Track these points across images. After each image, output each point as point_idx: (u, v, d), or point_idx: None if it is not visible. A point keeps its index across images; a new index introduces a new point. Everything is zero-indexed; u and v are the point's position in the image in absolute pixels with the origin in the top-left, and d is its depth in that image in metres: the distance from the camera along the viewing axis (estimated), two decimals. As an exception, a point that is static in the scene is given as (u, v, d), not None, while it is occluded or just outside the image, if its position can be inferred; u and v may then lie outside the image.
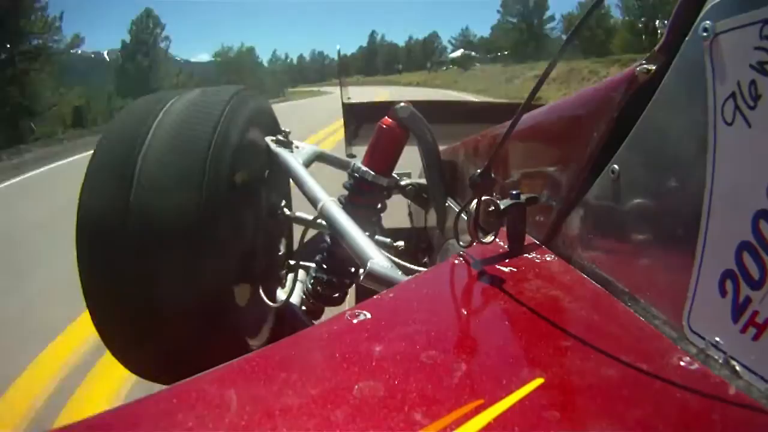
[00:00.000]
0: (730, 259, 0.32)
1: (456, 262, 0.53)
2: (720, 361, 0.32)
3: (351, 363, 0.36)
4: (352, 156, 1.46)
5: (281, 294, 1.15)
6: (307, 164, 1.17)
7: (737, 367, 0.31)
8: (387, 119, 1.04)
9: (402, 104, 1.00)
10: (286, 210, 1.16)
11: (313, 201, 0.93)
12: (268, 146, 1.11)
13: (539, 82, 0.48)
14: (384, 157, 1.08)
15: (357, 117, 1.69)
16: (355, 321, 0.41)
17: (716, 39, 0.33)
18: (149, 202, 0.80)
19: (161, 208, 0.80)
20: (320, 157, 1.32)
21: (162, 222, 0.80)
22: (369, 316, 0.42)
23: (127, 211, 0.79)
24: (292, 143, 1.15)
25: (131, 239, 0.80)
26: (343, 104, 1.72)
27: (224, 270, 0.86)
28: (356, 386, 0.33)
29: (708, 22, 0.34)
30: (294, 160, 1.08)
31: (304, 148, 1.21)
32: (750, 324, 0.30)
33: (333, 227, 0.86)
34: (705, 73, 0.34)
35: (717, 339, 0.33)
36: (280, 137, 1.13)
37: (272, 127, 1.17)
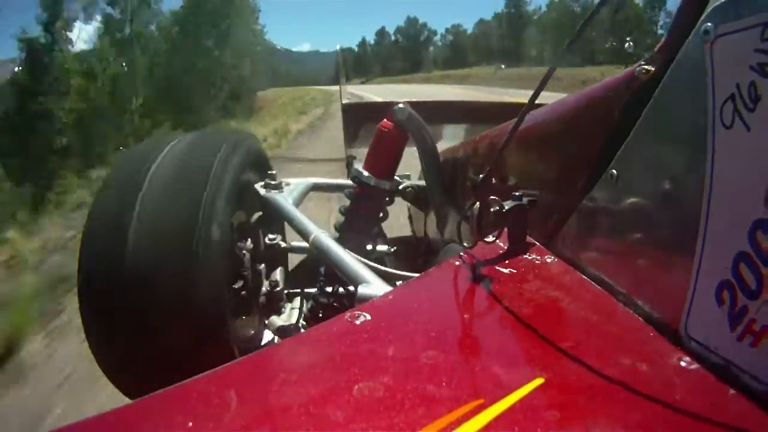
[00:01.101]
0: (727, 270, 0.32)
1: (456, 263, 0.53)
2: (718, 365, 0.32)
3: (351, 363, 0.36)
4: (352, 158, 1.46)
5: (279, 322, 1.17)
6: (300, 200, 1.20)
7: (736, 372, 0.31)
8: (386, 122, 1.04)
9: (400, 105, 1.00)
10: (281, 243, 1.18)
11: (304, 236, 0.97)
12: (256, 192, 1.14)
13: (540, 84, 0.48)
14: (385, 160, 1.08)
15: (356, 118, 1.70)
16: (355, 322, 0.41)
17: (717, 41, 0.33)
18: (146, 247, 0.83)
19: (157, 255, 0.83)
20: (315, 187, 1.35)
21: (158, 267, 0.83)
22: (369, 317, 0.42)
23: (123, 258, 0.82)
24: (281, 184, 1.18)
25: (128, 286, 0.82)
26: (342, 105, 1.73)
27: (222, 309, 0.89)
28: (356, 386, 0.33)
29: (709, 24, 0.34)
30: (283, 200, 1.11)
31: (295, 184, 1.24)
32: (747, 331, 0.30)
33: (326, 257, 0.90)
34: (705, 75, 0.34)
35: (715, 345, 0.33)
36: (268, 181, 1.16)
37: (263, 167, 1.20)
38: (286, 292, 1.19)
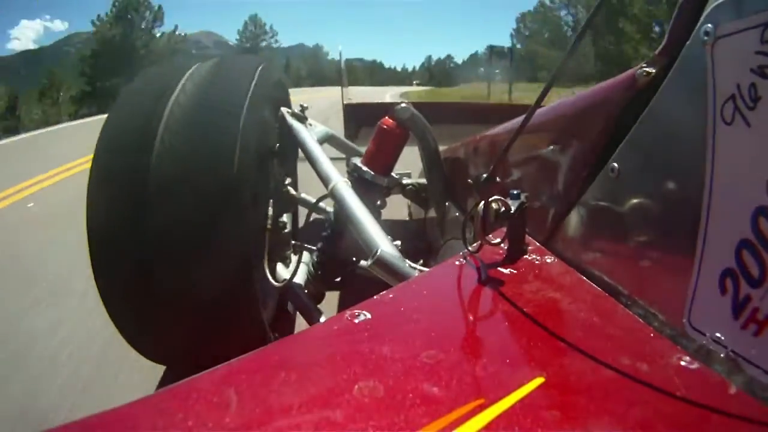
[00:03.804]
0: (730, 258, 0.32)
1: (456, 262, 0.53)
2: (722, 356, 0.32)
3: (351, 363, 0.36)
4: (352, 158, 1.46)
5: (284, 272, 1.12)
6: (320, 143, 1.13)
7: (739, 362, 0.31)
8: (387, 120, 1.04)
9: (403, 105, 1.00)
10: (291, 189, 1.12)
11: (325, 180, 0.90)
12: (283, 117, 1.07)
13: (546, 86, 0.48)
14: (383, 157, 1.08)
15: (357, 118, 1.70)
16: (355, 321, 0.41)
17: (717, 42, 0.34)
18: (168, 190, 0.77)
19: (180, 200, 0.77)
20: (331, 139, 1.28)
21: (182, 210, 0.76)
22: (369, 316, 0.42)
23: (143, 206, 0.76)
24: (306, 119, 1.11)
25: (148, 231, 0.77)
26: (344, 105, 1.73)
27: (245, 245, 0.82)
28: (356, 386, 0.33)
29: (709, 25, 0.34)
30: (308, 134, 1.04)
31: (318, 126, 1.18)
32: (751, 320, 0.30)
33: (343, 209, 0.82)
34: (706, 75, 0.34)
35: (718, 335, 0.33)
36: (296, 111, 1.09)
37: (287, 101, 1.14)
38: (293, 243, 1.12)
